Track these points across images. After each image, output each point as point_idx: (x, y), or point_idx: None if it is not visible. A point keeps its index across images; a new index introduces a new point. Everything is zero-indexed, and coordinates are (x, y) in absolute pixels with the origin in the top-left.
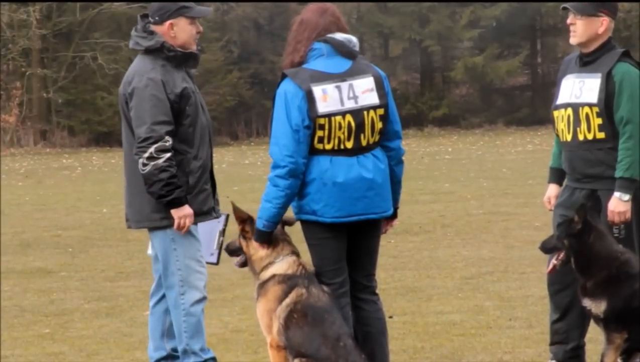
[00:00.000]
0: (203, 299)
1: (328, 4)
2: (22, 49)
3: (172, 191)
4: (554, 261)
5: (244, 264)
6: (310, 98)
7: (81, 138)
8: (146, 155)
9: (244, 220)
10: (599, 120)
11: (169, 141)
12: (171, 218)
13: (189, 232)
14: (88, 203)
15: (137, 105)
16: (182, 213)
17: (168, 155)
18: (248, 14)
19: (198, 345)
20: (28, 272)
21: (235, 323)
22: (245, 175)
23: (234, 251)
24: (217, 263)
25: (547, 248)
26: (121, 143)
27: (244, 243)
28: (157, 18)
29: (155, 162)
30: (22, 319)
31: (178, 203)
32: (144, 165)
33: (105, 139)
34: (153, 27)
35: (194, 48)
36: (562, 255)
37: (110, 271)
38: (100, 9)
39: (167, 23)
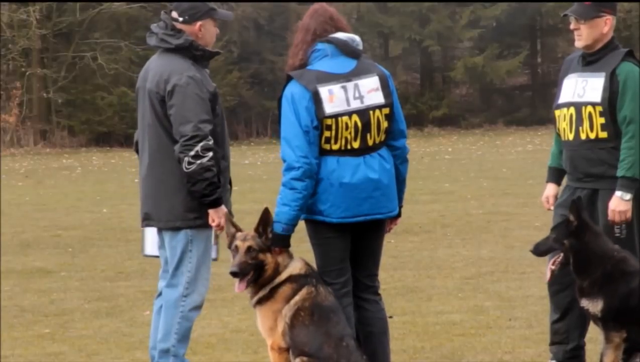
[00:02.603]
0: (200, 307)
1: (321, 4)
2: (22, 49)
3: (215, 190)
4: (550, 267)
5: (255, 280)
6: (317, 99)
7: (81, 138)
8: (192, 153)
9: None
10: (602, 120)
11: (211, 140)
12: (203, 218)
13: (207, 238)
14: (88, 203)
15: (181, 103)
16: (221, 213)
17: (211, 154)
18: (248, 14)
19: (182, 350)
20: (28, 272)
21: (235, 323)
22: (245, 175)
23: (249, 271)
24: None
25: (542, 250)
26: (121, 143)
27: (268, 255)
28: (187, 17)
29: (200, 161)
30: (22, 319)
31: (219, 203)
32: (190, 163)
33: (105, 139)
34: (180, 26)
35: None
36: (560, 258)
37: (110, 271)
38: (100, 9)
39: (198, 24)
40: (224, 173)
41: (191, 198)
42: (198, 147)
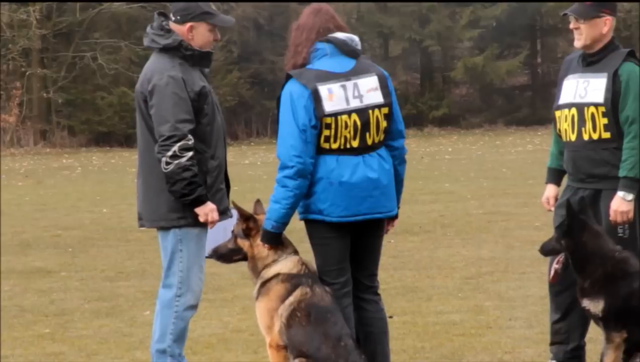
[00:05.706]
0: (195, 306)
1: (321, 4)
2: (22, 49)
3: (195, 189)
4: (554, 266)
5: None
6: (316, 97)
7: (81, 138)
8: (170, 153)
9: (248, 218)
10: (605, 120)
11: (191, 140)
12: (188, 218)
13: (197, 237)
14: (88, 203)
15: (159, 104)
16: (207, 209)
17: (191, 153)
18: (248, 14)
19: (178, 350)
20: (28, 272)
21: (235, 323)
22: (245, 175)
23: (225, 254)
24: None
25: (546, 250)
26: (121, 143)
27: (245, 242)
28: (178, 17)
29: (178, 161)
30: (22, 319)
31: (201, 201)
32: (167, 163)
33: (105, 139)
34: (172, 26)
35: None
36: (561, 258)
37: (110, 271)
38: (100, 9)
39: (188, 25)
40: (211, 173)
41: (174, 198)
42: (175, 147)
